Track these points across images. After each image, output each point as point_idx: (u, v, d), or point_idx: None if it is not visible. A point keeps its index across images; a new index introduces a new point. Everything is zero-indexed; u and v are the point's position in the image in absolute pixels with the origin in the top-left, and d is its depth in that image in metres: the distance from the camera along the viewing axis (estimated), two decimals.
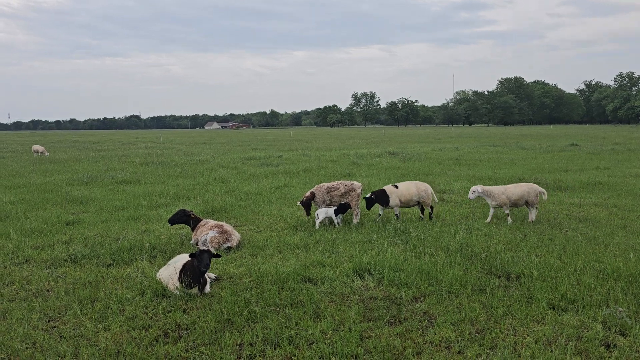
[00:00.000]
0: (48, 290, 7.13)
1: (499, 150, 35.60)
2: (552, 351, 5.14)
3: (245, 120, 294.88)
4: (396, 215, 11.48)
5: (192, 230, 9.84)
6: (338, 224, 10.99)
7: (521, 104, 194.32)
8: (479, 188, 11.18)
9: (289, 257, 8.57)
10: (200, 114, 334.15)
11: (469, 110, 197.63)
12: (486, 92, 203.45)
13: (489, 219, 11.27)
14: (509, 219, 11.18)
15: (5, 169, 25.48)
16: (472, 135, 70.58)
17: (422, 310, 6.22)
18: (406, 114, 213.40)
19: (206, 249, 7.25)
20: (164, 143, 57.49)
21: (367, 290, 6.89)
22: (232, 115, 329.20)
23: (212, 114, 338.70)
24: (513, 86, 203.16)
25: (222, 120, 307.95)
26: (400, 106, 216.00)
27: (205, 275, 6.90)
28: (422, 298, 6.63)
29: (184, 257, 7.18)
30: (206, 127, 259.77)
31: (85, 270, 8.00)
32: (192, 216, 9.94)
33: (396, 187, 11.31)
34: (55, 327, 5.89)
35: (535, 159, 28.03)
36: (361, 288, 6.98)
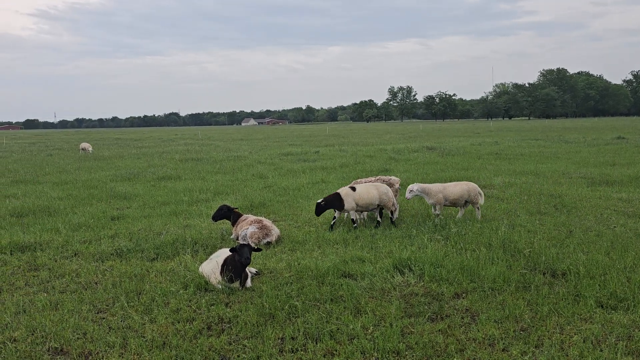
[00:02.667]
0: (96, 283, 7.37)
1: (541, 144, 34.70)
2: (601, 350, 4.99)
3: (281, 117, 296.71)
4: (352, 219, 10.49)
5: (233, 225, 9.98)
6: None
7: (564, 96, 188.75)
8: (415, 186, 10.62)
9: (328, 252, 8.59)
10: (237, 111, 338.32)
11: (508, 103, 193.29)
12: (527, 85, 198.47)
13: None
14: (437, 220, 10.48)
15: (52, 166, 26.43)
16: (512, 129, 69.03)
17: (464, 307, 6.13)
18: (444, 108, 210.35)
19: (246, 243, 7.35)
20: (202, 140, 58.48)
21: (407, 286, 6.85)
22: (268, 111, 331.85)
23: (248, 111, 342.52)
24: (555, 78, 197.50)
25: (259, 116, 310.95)
26: (437, 100, 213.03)
27: (247, 269, 6.99)
28: (464, 294, 6.54)
29: (226, 252, 7.29)
30: (243, 124, 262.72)
31: (130, 264, 8.23)
32: (235, 210, 10.07)
33: (353, 189, 10.34)
34: (104, 318, 6.08)
35: (580, 152, 27.20)
36: (401, 284, 6.94)
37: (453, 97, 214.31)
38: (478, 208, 10.89)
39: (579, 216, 11.00)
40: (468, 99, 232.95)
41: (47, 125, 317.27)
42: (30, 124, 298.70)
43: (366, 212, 11.16)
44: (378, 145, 37.89)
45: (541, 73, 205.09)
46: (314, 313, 5.96)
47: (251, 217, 9.82)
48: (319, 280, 7.04)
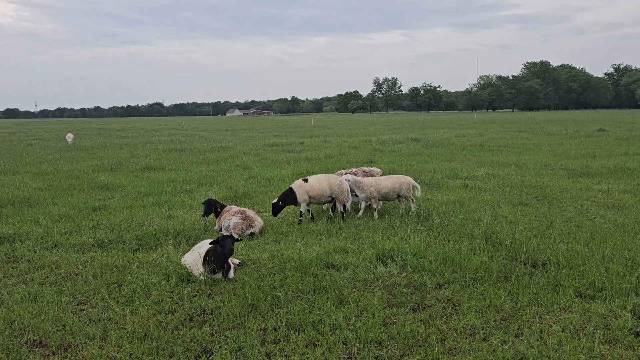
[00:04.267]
0: (77, 275, 7.28)
1: (524, 136, 35.02)
2: (579, 339, 5.07)
3: (266, 107, 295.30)
4: (300, 211, 10.20)
5: (216, 216, 9.90)
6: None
7: (547, 89, 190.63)
8: (349, 177, 10.47)
9: (311, 243, 8.59)
10: (222, 101, 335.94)
11: (492, 95, 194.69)
12: (511, 77, 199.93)
13: (360, 213, 10.65)
14: (376, 214, 10.45)
15: (33, 156, 26.01)
16: (496, 121, 69.55)
17: (446, 297, 6.18)
18: (429, 99, 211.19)
19: (229, 234, 7.32)
20: (186, 130, 57.98)
21: (390, 277, 6.88)
22: (253, 102, 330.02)
23: (233, 101, 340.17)
24: (539, 70, 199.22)
25: (244, 107, 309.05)
26: (422, 92, 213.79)
27: (229, 260, 6.96)
28: (446, 285, 6.58)
29: (208, 243, 7.24)
30: (228, 114, 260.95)
31: (112, 255, 8.14)
32: (218, 205, 9.95)
33: (306, 181, 10.13)
34: (84, 310, 6.02)
35: (562, 144, 27.51)
36: (384, 274, 6.96)
37: (438, 89, 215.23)
38: (412, 200, 10.73)
39: (559, 207, 11.13)
40: (453, 90, 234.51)
41: (27, 114, 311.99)
42: (10, 113, 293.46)
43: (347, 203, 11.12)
44: (363, 136, 37.91)
45: (525, 66, 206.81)
46: (297, 304, 5.95)
47: (235, 208, 9.77)
48: (302, 271, 7.04)
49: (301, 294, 6.27)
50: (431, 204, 11.66)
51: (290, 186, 10.14)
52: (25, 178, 17.53)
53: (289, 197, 10.03)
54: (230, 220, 9.33)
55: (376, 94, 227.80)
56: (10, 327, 5.51)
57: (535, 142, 29.60)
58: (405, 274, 6.96)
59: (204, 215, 9.88)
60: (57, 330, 5.43)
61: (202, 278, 6.78)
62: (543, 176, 15.82)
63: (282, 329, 5.37)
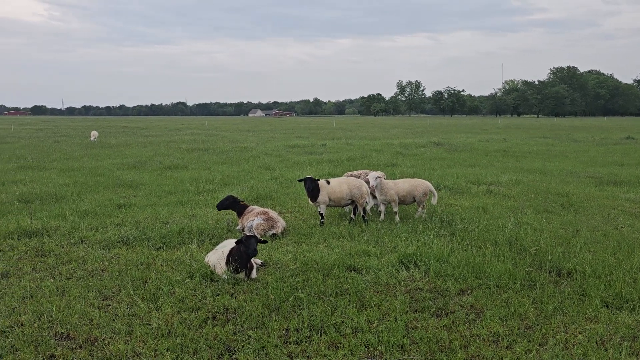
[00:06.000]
0: (102, 270, 7.41)
1: (549, 142, 34.53)
2: (605, 350, 4.98)
3: (288, 108, 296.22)
4: (320, 213, 10.15)
5: (239, 216, 9.99)
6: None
7: (574, 95, 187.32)
8: (380, 174, 10.46)
9: (334, 245, 8.60)
10: (245, 102, 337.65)
11: (517, 100, 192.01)
12: (537, 82, 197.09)
13: (381, 217, 10.58)
14: (397, 217, 10.38)
15: (59, 152, 26.55)
16: (520, 127, 68.69)
17: (469, 304, 6.13)
18: (452, 103, 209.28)
19: (253, 234, 7.37)
20: (209, 130, 58.54)
21: (412, 281, 6.85)
22: (275, 103, 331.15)
23: (256, 102, 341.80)
24: (565, 76, 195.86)
25: (266, 107, 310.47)
26: (446, 95, 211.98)
27: (252, 260, 7.01)
28: (469, 291, 6.53)
29: (231, 242, 7.31)
30: (250, 115, 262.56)
31: (136, 252, 8.27)
32: (241, 202, 10.08)
33: (328, 182, 10.11)
34: (110, 305, 6.13)
35: (588, 152, 27.04)
36: (407, 279, 6.94)
37: (462, 93, 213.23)
38: (423, 206, 10.66)
39: (586, 215, 10.95)
40: (477, 95, 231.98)
41: (54, 111, 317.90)
42: (38, 110, 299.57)
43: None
44: (385, 139, 37.81)
45: (551, 71, 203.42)
46: (319, 305, 5.97)
47: (257, 209, 9.83)
48: (325, 273, 7.05)
49: (323, 296, 6.29)
50: (454, 209, 11.57)
51: (318, 181, 10.09)
52: (52, 174, 17.89)
53: (315, 190, 10.00)
54: (253, 220, 9.39)
55: (399, 97, 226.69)
56: (39, 319, 5.64)
57: (561, 148, 29.16)
58: (427, 278, 6.93)
59: (218, 207, 10.01)
60: (84, 324, 5.54)
61: (225, 277, 6.84)
62: (569, 183, 15.57)
63: (305, 330, 5.39)
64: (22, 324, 5.51)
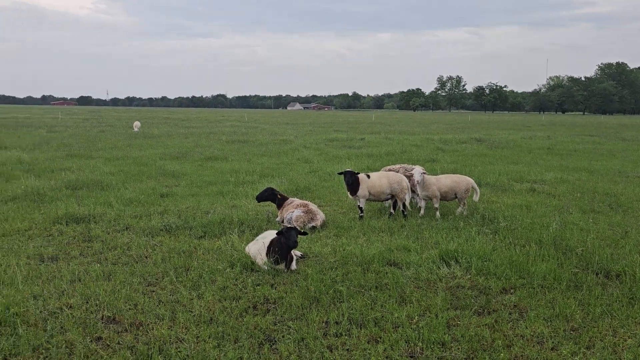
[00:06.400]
0: (146, 257, 7.59)
1: (596, 140, 33.38)
2: None
3: (327, 102, 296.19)
4: (359, 207, 10.13)
5: (278, 208, 10.05)
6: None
7: (622, 92, 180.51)
8: (420, 169, 10.35)
9: (373, 239, 8.56)
10: (283, 95, 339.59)
11: (562, 97, 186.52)
12: (583, 78, 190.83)
13: (421, 212, 10.46)
14: (438, 214, 10.25)
15: (104, 141, 27.31)
16: (565, 124, 66.68)
17: (512, 303, 6.00)
18: (494, 99, 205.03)
19: (293, 226, 7.41)
20: (248, 122, 59.14)
21: (453, 278, 6.75)
22: (314, 96, 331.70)
23: (294, 95, 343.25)
24: (614, 72, 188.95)
25: (305, 101, 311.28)
26: (487, 91, 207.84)
27: (292, 252, 7.05)
28: (512, 290, 6.39)
29: (272, 234, 7.36)
30: (288, 108, 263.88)
31: (179, 240, 8.43)
32: (279, 195, 10.15)
33: (368, 176, 10.09)
34: (153, 291, 6.27)
35: (638, 151, 26.02)
36: (447, 275, 6.84)
37: (504, 89, 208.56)
38: (464, 203, 10.45)
39: (635, 217, 10.54)
40: (520, 91, 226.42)
41: (99, 102, 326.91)
42: (84, 101, 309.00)
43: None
44: (425, 134, 37.35)
45: (599, 67, 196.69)
46: (359, 299, 5.96)
47: (297, 201, 9.87)
48: (364, 267, 7.03)
49: (363, 290, 6.27)
50: (497, 206, 11.33)
51: (357, 175, 10.06)
52: (97, 162, 18.43)
53: (355, 184, 9.97)
54: (293, 212, 9.43)
55: (439, 92, 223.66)
56: (87, 302, 5.82)
57: (608, 147, 28.16)
58: (469, 276, 6.81)
59: (257, 199, 10.10)
60: (129, 309, 5.69)
61: (266, 268, 6.90)
62: (617, 183, 15.02)
63: (344, 323, 5.38)
64: (71, 306, 5.70)
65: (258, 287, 6.36)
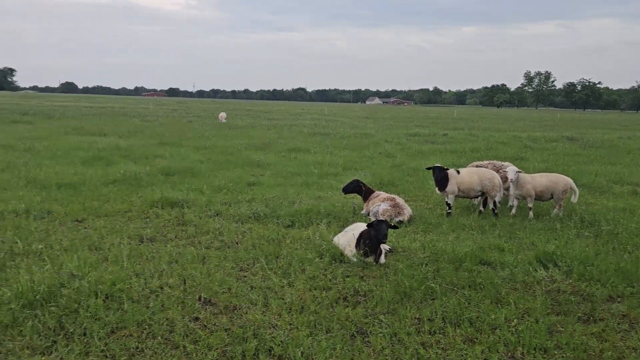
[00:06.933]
0: (237, 243, 7.78)
1: None
2: None
3: (407, 97, 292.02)
4: (447, 203, 9.85)
5: (364, 200, 9.99)
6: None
7: None
8: (514, 168, 9.80)
9: (463, 237, 8.28)
10: (363, 89, 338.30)
11: None
12: None
13: (513, 211, 10.03)
14: (531, 214, 9.75)
15: (192, 131, 28.43)
16: None
17: (621, 312, 5.57)
18: (586, 96, 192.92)
19: (384, 219, 7.31)
20: (328, 115, 59.45)
21: (552, 282, 6.38)
22: (394, 91, 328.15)
23: (374, 89, 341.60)
24: None
25: (384, 95, 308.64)
26: (579, 88, 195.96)
27: (381, 245, 6.95)
28: (619, 298, 5.94)
29: (361, 226, 7.31)
30: (367, 102, 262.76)
31: (267, 228, 8.57)
32: (364, 187, 10.07)
33: (458, 172, 9.83)
34: (245, 276, 6.40)
35: None
36: (546, 279, 6.48)
37: (597, 86, 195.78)
38: (560, 205, 9.85)
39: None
40: (615, 88, 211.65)
41: (186, 94, 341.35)
42: (173, 92, 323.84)
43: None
44: (511, 132, 35.82)
45: None
46: (452, 297, 5.77)
47: (383, 194, 9.75)
48: (456, 265, 6.80)
49: (455, 288, 6.06)
50: (596, 208, 10.61)
51: (447, 170, 9.80)
52: (187, 151, 19.21)
53: (444, 179, 9.71)
54: (379, 206, 9.33)
55: (526, 88, 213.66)
56: (184, 283, 6.03)
57: None
58: (570, 280, 6.41)
59: (343, 190, 10.09)
60: (223, 292, 5.83)
61: (354, 260, 6.85)
62: None
63: (437, 321, 5.23)
64: (170, 286, 5.93)
65: (347, 278, 6.33)
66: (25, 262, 6.43)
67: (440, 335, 4.98)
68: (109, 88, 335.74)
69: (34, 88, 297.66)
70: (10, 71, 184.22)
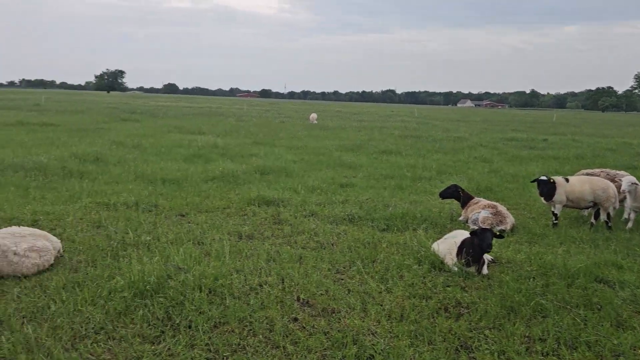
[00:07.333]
0: (332, 244, 7.72)
1: None
2: None
3: (501, 100, 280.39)
4: (554, 213, 9.20)
5: (462, 207, 9.59)
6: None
7: None
8: (632, 180, 8.90)
9: (573, 251, 7.68)
10: (454, 91, 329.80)
11: None
12: None
13: (629, 225, 9.21)
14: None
15: (285, 131, 28.99)
16: None
17: None
18: None
19: (488, 228, 6.95)
20: (418, 118, 58.42)
21: None
22: (487, 93, 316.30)
23: (465, 92, 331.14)
24: None
25: (476, 98, 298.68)
26: None
27: (484, 255, 6.59)
28: None
29: (463, 233, 6.99)
30: (459, 105, 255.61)
31: (362, 231, 8.45)
32: (462, 193, 9.68)
33: (567, 180, 9.12)
34: (342, 279, 6.32)
35: None
36: None
37: None
38: None
39: None
40: None
41: (278, 95, 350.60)
42: (265, 93, 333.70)
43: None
44: (619, 137, 33.22)
45: None
46: (565, 316, 5.33)
47: (484, 201, 9.31)
48: (568, 281, 6.29)
49: (569, 307, 5.60)
50: None
51: (553, 179, 9.17)
52: (280, 150, 19.58)
53: (551, 188, 9.09)
54: (479, 213, 8.91)
55: (635, 90, 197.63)
56: (282, 282, 6.06)
57: None
58: None
59: (440, 195, 9.77)
60: (321, 294, 5.78)
61: (455, 269, 6.55)
62: None
63: (550, 342, 4.83)
64: (268, 284, 5.98)
65: (448, 288, 6.05)
66: (135, 252, 6.77)
67: (554, 358, 4.61)
68: (207, 89, 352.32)
69: (140, 89, 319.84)
70: (121, 73, 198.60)
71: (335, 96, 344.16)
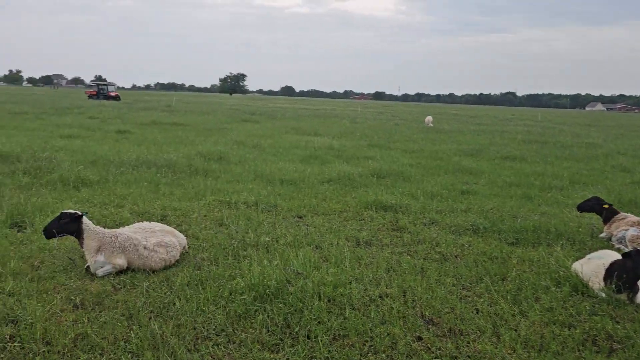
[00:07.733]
0: (456, 257, 7.20)
1: None
2: None
3: (637, 103, 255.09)
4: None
5: (605, 222, 8.54)
6: None
7: None
8: None
9: None
10: (582, 94, 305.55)
11: None
12: None
13: None
14: None
15: (399, 134, 28.45)
16: None
17: None
18: None
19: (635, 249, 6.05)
20: (542, 122, 54.75)
21: None
22: (621, 96, 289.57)
23: (596, 94, 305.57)
24: None
25: (608, 101, 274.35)
26: None
27: (638, 282, 5.72)
28: None
29: (611, 254, 6.15)
30: (587, 108, 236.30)
31: (488, 244, 7.81)
32: (606, 207, 8.62)
33: None
34: (469, 297, 5.80)
35: None
36: None
37: None
38: None
39: None
40: None
41: (391, 97, 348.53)
42: (378, 96, 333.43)
43: None
44: None
45: None
46: None
47: (633, 217, 8.20)
48: None
49: None
50: None
51: None
52: (395, 154, 19.13)
53: None
54: (627, 230, 7.86)
55: None
56: (403, 295, 5.68)
57: None
58: None
59: (579, 208, 8.80)
60: (446, 312, 5.33)
61: (602, 295, 5.75)
62: None
63: None
64: (388, 296, 5.64)
65: (595, 317, 5.30)
66: (255, 253, 6.78)
67: None
68: (322, 91, 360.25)
69: (259, 91, 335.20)
70: (242, 76, 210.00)
71: (451, 98, 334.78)
